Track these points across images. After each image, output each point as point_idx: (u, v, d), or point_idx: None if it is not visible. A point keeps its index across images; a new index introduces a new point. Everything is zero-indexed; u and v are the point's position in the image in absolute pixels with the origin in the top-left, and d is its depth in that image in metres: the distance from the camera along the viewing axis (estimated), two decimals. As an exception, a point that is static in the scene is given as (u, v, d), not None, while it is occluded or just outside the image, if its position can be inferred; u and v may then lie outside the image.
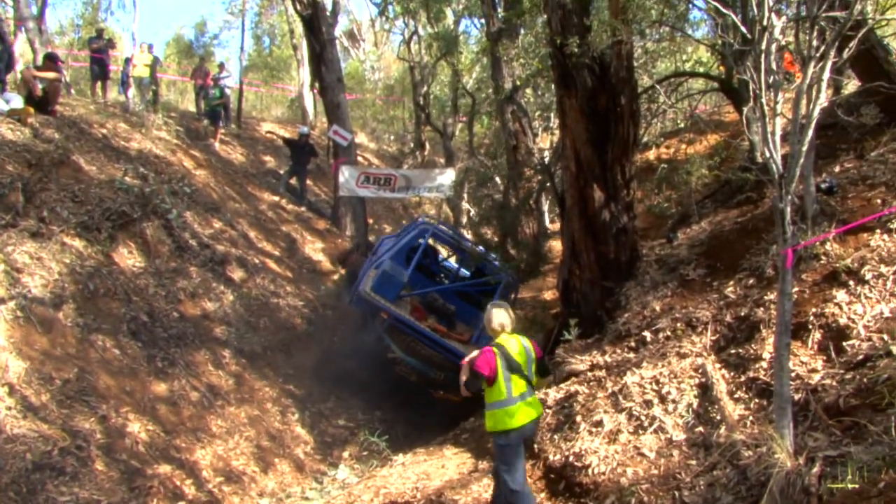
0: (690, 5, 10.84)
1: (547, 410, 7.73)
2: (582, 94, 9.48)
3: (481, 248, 14.44)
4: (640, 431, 6.70)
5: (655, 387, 7.06)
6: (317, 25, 18.35)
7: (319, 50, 18.60)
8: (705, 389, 6.76)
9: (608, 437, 6.79)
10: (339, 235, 18.92)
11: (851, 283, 6.90)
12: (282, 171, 20.96)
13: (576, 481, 6.60)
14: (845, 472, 4.69)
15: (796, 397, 5.90)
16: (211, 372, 10.26)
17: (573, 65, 9.33)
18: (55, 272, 9.26)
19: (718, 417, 6.39)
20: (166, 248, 11.76)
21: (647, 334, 8.20)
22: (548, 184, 14.59)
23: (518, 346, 6.48)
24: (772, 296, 7.24)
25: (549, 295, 15.10)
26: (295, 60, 29.93)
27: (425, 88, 24.61)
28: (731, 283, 8.21)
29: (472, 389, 6.39)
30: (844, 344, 6.36)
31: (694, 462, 6.05)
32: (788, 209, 5.34)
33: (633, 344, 8.31)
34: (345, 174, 17.94)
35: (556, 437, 7.24)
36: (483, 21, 19.62)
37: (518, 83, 16.97)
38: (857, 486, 4.49)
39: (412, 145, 28.56)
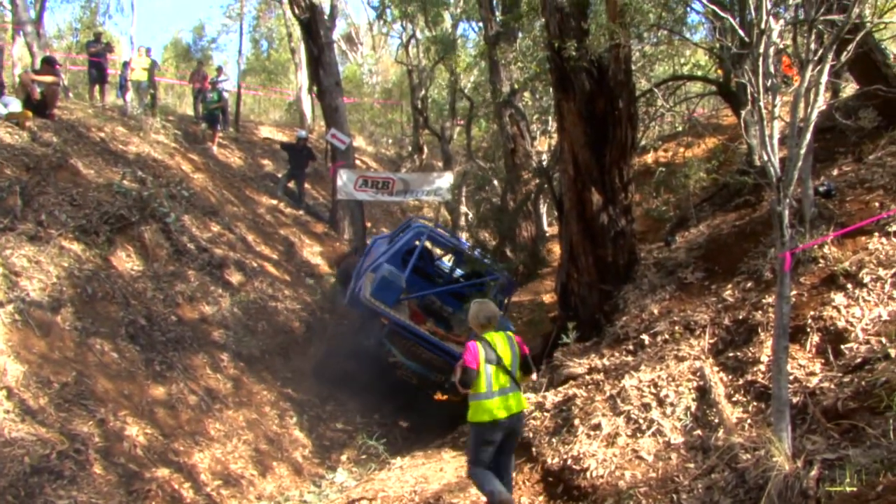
0: (688, 9, 10.87)
1: (545, 413, 7.73)
2: (580, 97, 9.50)
3: (478, 250, 14.42)
4: (639, 435, 6.69)
5: (653, 390, 7.06)
6: (315, 29, 18.35)
7: (317, 53, 18.60)
8: (703, 393, 6.77)
9: (606, 441, 6.79)
10: (337, 239, 18.91)
11: (849, 286, 6.92)
12: (280, 175, 20.94)
13: (574, 485, 6.59)
14: (843, 476, 4.69)
15: (794, 400, 5.91)
16: (209, 375, 10.25)
17: (571, 68, 9.34)
18: (53, 276, 9.26)
19: (716, 421, 6.40)
20: (164, 252, 11.76)
21: (646, 337, 8.21)
22: (546, 187, 14.61)
23: (503, 342, 6.52)
24: (770, 299, 7.25)
25: (547, 298, 15.10)
26: (293, 64, 29.93)
27: (423, 92, 24.65)
28: (730, 286, 8.22)
29: (467, 385, 6.39)
30: (842, 347, 6.37)
31: (692, 465, 6.05)
32: (786, 212, 5.35)
33: (631, 347, 8.31)
34: (343, 178, 17.93)
35: (554, 440, 7.23)
36: (481, 25, 19.64)
37: (516, 87, 16.99)
38: (855, 489, 4.48)
39: (410, 149, 28.57)
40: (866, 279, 6.86)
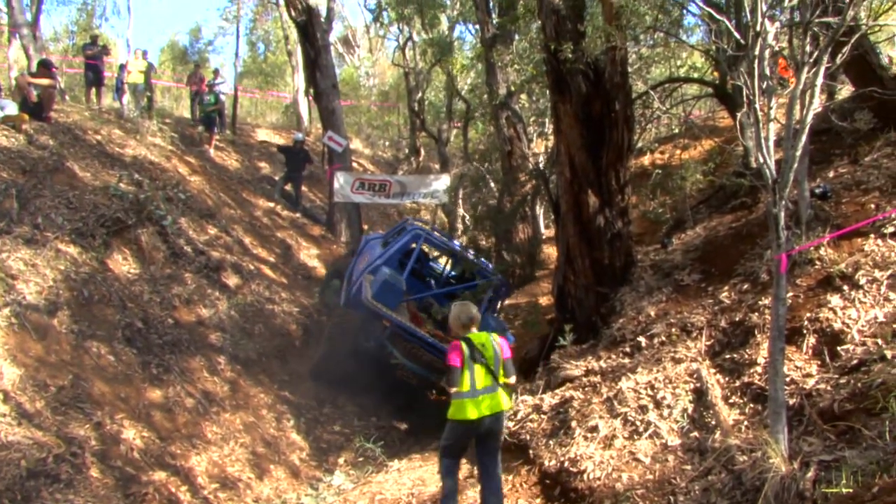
0: (684, 11, 10.88)
1: (542, 416, 7.73)
2: (576, 99, 9.50)
3: (469, 251, 14.42)
4: (636, 437, 6.70)
5: (650, 392, 7.07)
6: (311, 32, 18.37)
7: (314, 56, 18.62)
8: (700, 394, 6.77)
9: (603, 443, 6.79)
10: (334, 241, 18.91)
11: (846, 287, 6.93)
12: (277, 178, 20.94)
13: (571, 487, 6.59)
14: (840, 477, 4.70)
15: (791, 402, 5.92)
16: (206, 378, 10.24)
17: (567, 70, 9.35)
18: (50, 279, 9.25)
19: (713, 422, 6.40)
20: (161, 255, 11.75)
21: (642, 339, 8.21)
22: (542, 189, 14.61)
23: (487, 342, 6.65)
24: (766, 301, 7.26)
25: (544, 300, 15.10)
26: (290, 66, 29.98)
27: (420, 94, 24.68)
28: (726, 288, 8.23)
29: (451, 384, 6.54)
30: (839, 348, 6.38)
31: (689, 467, 6.05)
32: (782, 214, 5.36)
33: (627, 349, 8.32)
34: (340, 180, 17.95)
35: (551, 442, 7.23)
36: (477, 27, 19.65)
37: (513, 89, 16.99)
38: (851, 490, 4.49)
39: (407, 151, 28.60)
40: (862, 281, 6.87)
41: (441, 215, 23.76)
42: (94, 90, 19.93)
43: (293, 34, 25.18)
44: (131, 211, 11.66)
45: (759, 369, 6.68)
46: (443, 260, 15.35)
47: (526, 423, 7.74)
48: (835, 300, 6.84)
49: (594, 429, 6.99)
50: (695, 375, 7.01)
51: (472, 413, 6.44)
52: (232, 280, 13.05)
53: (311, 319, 13.87)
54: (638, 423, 6.82)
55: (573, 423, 7.24)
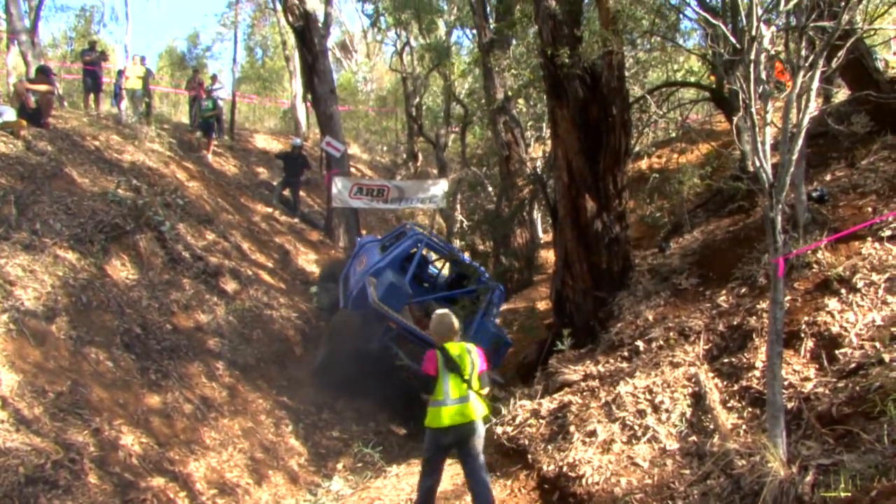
0: (681, 15, 10.90)
1: (540, 420, 7.73)
2: (573, 104, 9.52)
3: (465, 254, 14.46)
4: (634, 441, 6.70)
5: (649, 396, 7.07)
6: (309, 37, 18.40)
7: (312, 61, 18.65)
8: (698, 399, 6.78)
9: (602, 447, 6.79)
10: (332, 247, 18.92)
11: (843, 291, 6.94)
12: (275, 183, 20.94)
13: (570, 492, 6.58)
14: (838, 481, 4.70)
15: (789, 406, 5.92)
16: (204, 384, 10.23)
17: (564, 75, 9.37)
18: (48, 285, 9.25)
19: (712, 426, 6.41)
20: (159, 261, 11.75)
21: (640, 344, 8.21)
22: (540, 194, 14.63)
23: (462, 352, 6.88)
24: (764, 304, 7.27)
25: (542, 305, 15.12)
26: (287, 72, 30.02)
27: (418, 99, 24.72)
28: (724, 292, 8.24)
29: (427, 391, 6.93)
30: (837, 352, 6.38)
31: (688, 471, 6.05)
32: (779, 218, 5.36)
33: (626, 354, 8.32)
34: (338, 185, 17.97)
35: (549, 447, 7.23)
36: (475, 32, 19.72)
37: (510, 94, 17.02)
38: (850, 494, 4.50)
39: (405, 156, 28.65)
40: (860, 284, 6.88)
41: (439, 220, 23.78)
42: (92, 96, 19.93)
43: (291, 39, 25.24)
44: (129, 217, 11.66)
45: (757, 373, 6.68)
46: (439, 264, 15.37)
47: (524, 427, 7.73)
48: (832, 304, 6.85)
49: (592, 433, 6.99)
50: (693, 380, 7.01)
51: (445, 420, 6.68)
52: (230, 286, 13.04)
53: (309, 325, 13.87)
54: (636, 427, 6.82)
55: (571, 428, 7.24)
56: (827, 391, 5.95)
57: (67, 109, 17.68)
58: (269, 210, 19.16)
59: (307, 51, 18.67)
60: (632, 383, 7.36)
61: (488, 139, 21.32)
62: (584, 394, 7.82)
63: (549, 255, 16.93)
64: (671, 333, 8.01)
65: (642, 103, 11.34)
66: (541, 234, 19.96)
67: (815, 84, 5.41)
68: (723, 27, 6.13)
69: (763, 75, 5.49)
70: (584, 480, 6.53)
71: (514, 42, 17.14)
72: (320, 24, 19.10)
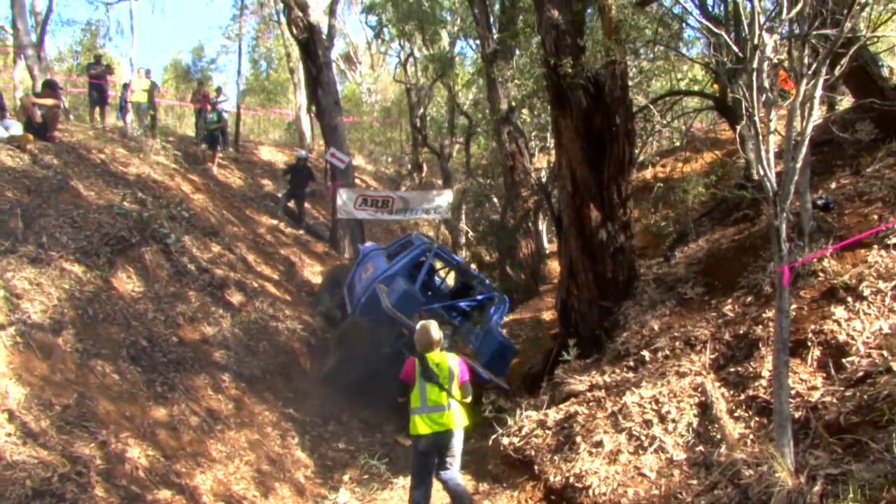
0: (684, 24, 10.92)
1: (546, 431, 7.72)
2: (577, 114, 9.53)
3: (472, 266, 14.53)
4: (641, 451, 6.68)
5: (655, 406, 7.05)
6: (313, 49, 18.45)
7: (316, 73, 18.69)
8: (705, 408, 6.76)
9: (608, 458, 6.77)
10: (337, 258, 18.91)
11: (850, 299, 6.92)
12: (280, 195, 20.96)
13: (576, 502, 6.56)
14: (847, 491, 4.68)
15: (797, 415, 5.89)
16: (210, 396, 10.23)
17: (568, 85, 9.38)
18: (54, 298, 9.26)
19: (719, 436, 6.39)
20: (165, 273, 11.77)
21: (646, 354, 8.20)
22: (545, 204, 14.64)
23: (443, 361, 7.20)
24: (770, 313, 7.25)
25: (547, 315, 15.10)
26: (292, 84, 30.06)
27: (422, 110, 24.76)
28: (730, 301, 8.23)
29: (401, 396, 7.34)
30: (844, 361, 6.35)
31: (695, 482, 6.03)
32: (784, 226, 5.36)
33: (632, 363, 8.30)
34: (343, 197, 18.01)
35: (556, 457, 7.22)
36: (478, 42, 19.74)
37: (514, 104, 17.04)
38: (858, 504, 4.48)
39: (409, 167, 28.66)
40: (866, 292, 6.85)
41: (444, 231, 23.78)
42: (97, 109, 20.00)
43: (295, 52, 25.32)
44: (135, 229, 11.68)
45: (763, 382, 6.66)
46: (442, 274, 15.41)
47: (531, 438, 7.72)
48: (839, 312, 6.83)
49: (599, 444, 6.97)
50: (699, 389, 6.99)
51: (422, 428, 7.04)
52: (236, 298, 13.05)
53: (315, 336, 13.86)
54: (643, 437, 6.80)
55: (578, 439, 7.22)
56: (834, 400, 5.93)
57: (73, 123, 17.76)
58: (275, 222, 19.18)
59: (311, 63, 18.72)
60: (638, 393, 7.35)
61: (493, 150, 21.33)
62: (591, 404, 7.80)
63: (554, 265, 16.90)
64: (677, 343, 8.00)
65: (646, 112, 11.34)
66: (546, 245, 19.94)
67: (819, 92, 5.41)
68: (725, 36, 6.14)
69: (766, 84, 5.49)
70: (590, 491, 6.51)
71: (517, 52, 17.15)
72: (324, 36, 19.15)
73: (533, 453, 7.50)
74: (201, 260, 13.10)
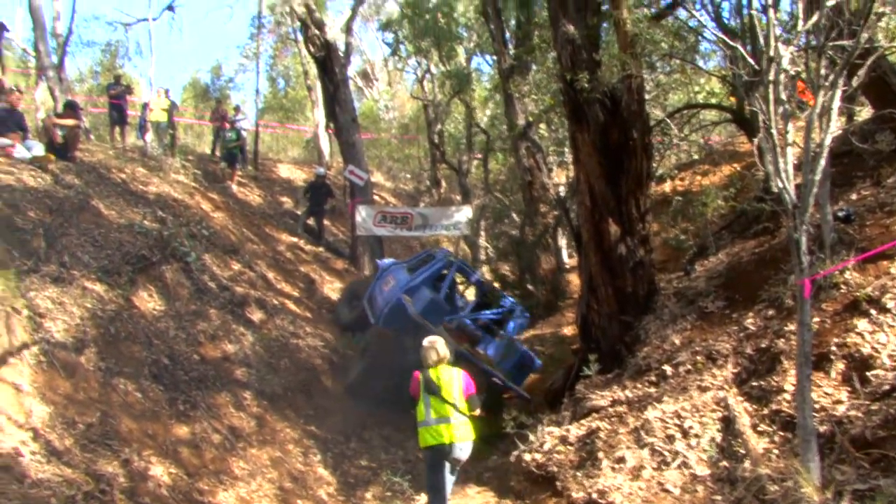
0: (700, 37, 10.90)
1: (569, 447, 7.68)
2: (594, 128, 9.53)
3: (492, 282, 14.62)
4: (664, 467, 6.64)
5: (677, 421, 7.01)
6: (330, 66, 18.57)
7: (333, 90, 18.80)
8: (728, 423, 6.71)
9: (631, 474, 6.74)
10: (357, 275, 18.94)
11: (873, 311, 6.87)
12: (299, 212, 21.05)
13: (600, 518, 6.54)
14: (874, 506, 4.64)
15: (822, 429, 5.84)
16: (232, 414, 10.25)
17: (584, 100, 9.39)
18: (77, 317, 9.32)
19: (743, 451, 6.34)
20: (186, 291, 11.83)
21: (668, 368, 8.16)
22: (564, 219, 14.64)
23: (448, 376, 7.46)
24: (792, 326, 7.20)
25: (568, 330, 15.06)
26: (310, 101, 30.19)
27: (439, 126, 24.79)
28: (751, 314, 8.18)
29: (412, 409, 7.62)
30: (868, 374, 6.31)
31: (719, 497, 5.99)
32: (804, 239, 5.33)
33: (653, 378, 8.26)
34: (362, 214, 18.07)
35: (578, 473, 7.18)
36: (494, 58, 19.81)
37: (531, 119, 17.07)
38: (886, 519, 4.44)
39: (428, 183, 28.71)
40: (890, 304, 6.80)
41: (463, 246, 23.79)
42: (118, 129, 20.18)
43: (312, 69, 25.41)
44: (156, 248, 11.76)
45: (787, 396, 6.61)
46: (460, 289, 15.48)
47: (553, 454, 7.69)
48: (862, 325, 6.78)
49: (622, 459, 6.94)
50: (722, 404, 6.95)
51: (429, 440, 7.32)
52: (256, 315, 13.10)
53: (336, 353, 13.89)
54: (666, 453, 6.76)
55: (600, 454, 7.19)
56: (860, 414, 5.88)
57: (94, 143, 17.91)
58: (294, 239, 19.25)
59: (329, 80, 18.84)
60: (660, 408, 7.31)
61: (511, 165, 21.36)
62: (613, 419, 7.76)
63: (574, 281, 16.86)
64: (698, 357, 7.95)
65: (663, 126, 11.33)
66: (566, 260, 19.91)
67: (837, 103, 5.39)
68: (741, 49, 6.13)
69: (783, 95, 5.48)
70: (614, 507, 6.48)
71: (533, 67, 17.19)
72: (341, 54, 19.29)
73: (555, 469, 7.46)
74: (221, 278, 13.17)
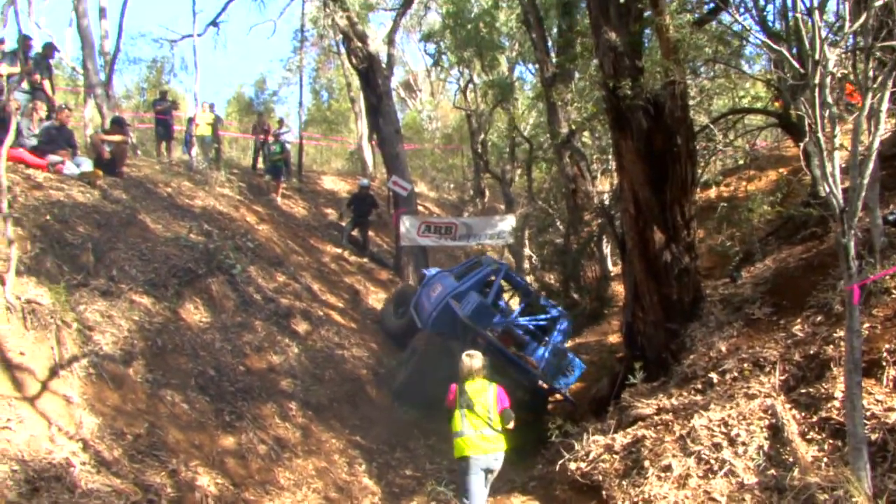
0: (744, 41, 10.78)
1: (614, 456, 7.61)
2: (637, 135, 9.47)
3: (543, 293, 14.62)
4: (711, 475, 6.55)
5: (724, 429, 6.92)
6: (373, 78, 18.68)
7: (376, 102, 18.92)
8: (776, 431, 6.60)
9: (678, 482, 6.66)
10: (402, 283, 19.00)
11: (925, 316, 6.72)
12: (343, 224, 21.17)
13: (646, 528, 6.46)
14: (927, 515, 4.53)
15: (873, 437, 5.73)
16: (278, 424, 10.32)
17: (627, 107, 9.33)
18: (125, 329, 9.46)
19: (791, 460, 6.23)
20: (231, 303, 11.95)
21: (714, 376, 8.05)
22: (608, 227, 14.55)
23: (482, 389, 7.79)
24: (841, 333, 7.06)
25: (613, 339, 14.95)
26: (353, 113, 30.48)
27: (483, 136, 24.82)
28: (799, 320, 8.05)
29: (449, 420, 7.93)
30: (921, 380, 6.17)
31: (768, 506, 5.89)
32: (852, 244, 5.24)
33: (699, 386, 8.16)
34: (406, 224, 18.13)
35: (624, 482, 7.11)
36: (537, 67, 19.79)
37: (574, 127, 16.99)
38: (939, 528, 4.33)
39: (472, 193, 28.76)
40: (942, 309, 6.66)
41: (508, 256, 23.75)
42: (164, 144, 20.51)
43: (355, 81, 25.66)
44: (202, 261, 11.90)
45: (836, 404, 6.49)
46: (505, 297, 15.49)
47: (598, 463, 7.62)
48: (914, 330, 6.64)
49: (668, 468, 6.86)
50: (769, 411, 6.84)
51: (465, 451, 7.62)
52: (301, 326, 13.19)
53: (380, 364, 13.93)
54: (712, 461, 6.67)
55: (646, 463, 7.11)
56: (912, 421, 5.75)
57: (141, 158, 18.22)
58: (339, 250, 19.36)
59: (371, 92, 18.97)
60: (706, 416, 7.21)
61: (554, 174, 21.29)
62: (658, 428, 7.68)
63: (619, 288, 16.74)
64: (745, 364, 7.84)
65: (708, 132, 11.21)
66: (611, 267, 19.78)
67: (886, 105, 5.29)
68: (785, 53, 6.04)
69: (830, 98, 5.39)
70: (660, 517, 6.40)
71: (576, 75, 17.15)
72: (384, 66, 19.38)
73: (601, 478, 7.40)
74: (267, 290, 13.29)
